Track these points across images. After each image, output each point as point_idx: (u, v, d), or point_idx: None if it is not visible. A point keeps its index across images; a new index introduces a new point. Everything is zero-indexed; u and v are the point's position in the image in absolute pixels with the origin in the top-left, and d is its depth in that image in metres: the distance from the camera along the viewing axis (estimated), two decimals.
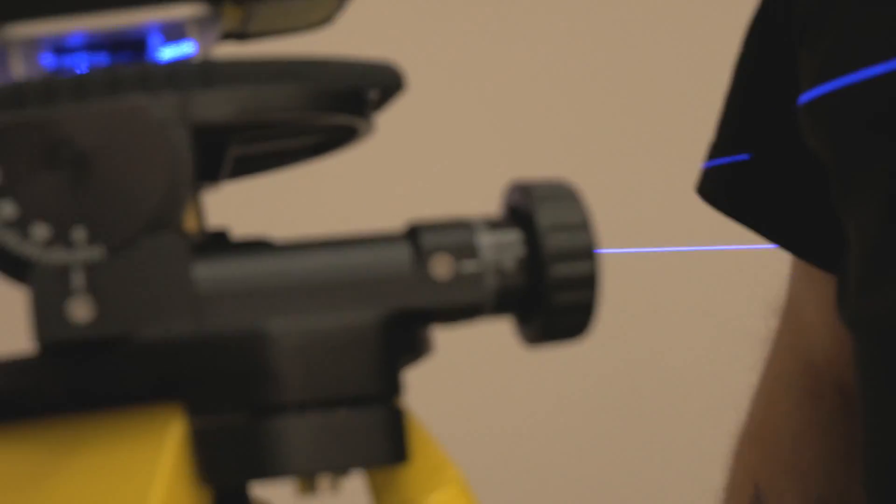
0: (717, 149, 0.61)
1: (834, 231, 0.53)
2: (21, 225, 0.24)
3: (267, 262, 0.25)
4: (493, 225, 0.25)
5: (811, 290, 0.60)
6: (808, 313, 0.62)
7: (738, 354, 1.43)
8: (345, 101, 0.25)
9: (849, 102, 0.47)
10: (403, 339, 0.25)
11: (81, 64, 0.26)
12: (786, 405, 0.63)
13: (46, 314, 0.23)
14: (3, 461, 0.24)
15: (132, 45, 0.26)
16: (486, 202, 1.30)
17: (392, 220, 1.37)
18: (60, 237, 0.24)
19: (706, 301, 1.51)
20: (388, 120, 1.34)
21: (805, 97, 0.50)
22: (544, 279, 0.24)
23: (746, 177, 0.59)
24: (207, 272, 0.24)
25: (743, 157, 0.59)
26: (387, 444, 0.24)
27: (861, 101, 0.47)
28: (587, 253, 0.24)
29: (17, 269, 0.24)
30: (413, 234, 0.25)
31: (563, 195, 0.24)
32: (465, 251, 0.24)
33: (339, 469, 0.23)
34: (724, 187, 0.61)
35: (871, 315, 0.50)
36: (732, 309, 1.46)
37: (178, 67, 0.24)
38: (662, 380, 1.46)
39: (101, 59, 0.27)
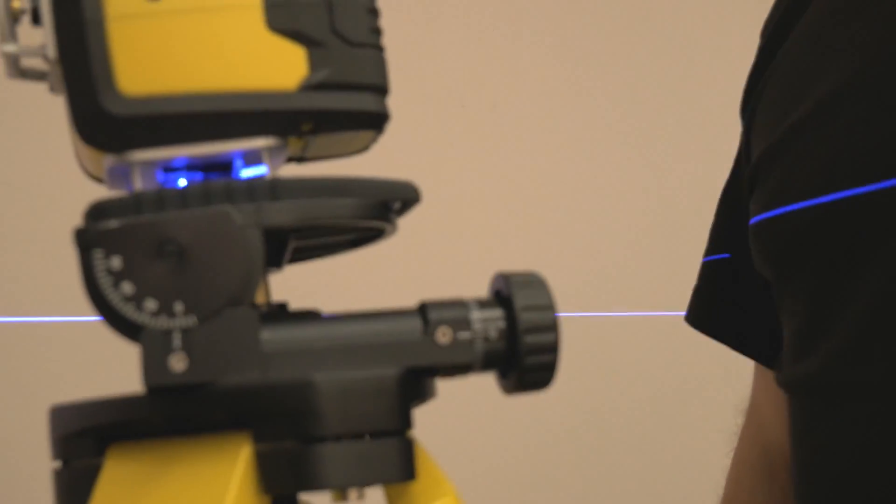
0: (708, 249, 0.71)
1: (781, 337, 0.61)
2: (136, 300, 0.32)
3: (315, 328, 0.33)
4: (482, 304, 0.33)
5: (768, 391, 0.68)
6: (766, 412, 0.70)
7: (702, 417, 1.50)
8: (377, 211, 0.34)
9: (778, 228, 0.56)
10: (414, 387, 0.33)
11: (183, 179, 0.35)
12: (749, 483, 0.73)
13: (153, 365, 0.32)
14: (121, 470, 0.32)
15: (221, 167, 0.35)
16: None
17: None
18: (164, 309, 0.32)
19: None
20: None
21: (751, 221, 0.59)
22: (519, 346, 0.32)
23: (716, 288, 0.69)
24: (271, 335, 0.33)
25: (721, 256, 0.68)
26: (400, 466, 0.32)
27: (786, 227, 0.55)
28: (551, 327, 0.32)
29: (132, 331, 0.33)
30: (423, 310, 0.33)
31: (534, 283, 0.33)
32: (462, 324, 0.33)
33: (365, 484, 0.32)
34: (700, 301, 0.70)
35: (799, 380, 0.57)
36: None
37: (255, 184, 0.33)
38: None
39: (198, 176, 0.36)
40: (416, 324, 0.33)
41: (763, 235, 0.58)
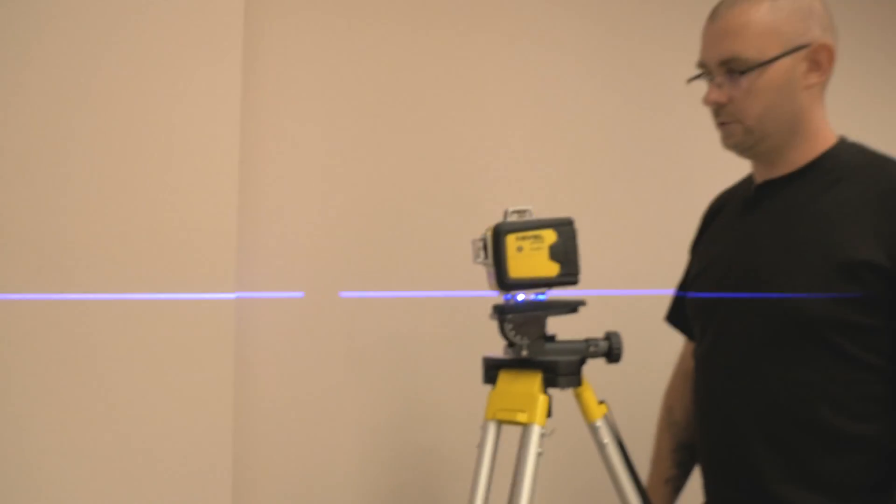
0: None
1: None
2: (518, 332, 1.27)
3: (555, 345, 1.28)
4: (606, 336, 1.28)
5: (689, 347, 1.62)
6: (688, 357, 1.61)
7: None
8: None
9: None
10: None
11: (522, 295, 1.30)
12: (680, 382, 1.62)
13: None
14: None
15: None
16: None
17: None
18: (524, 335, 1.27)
19: None
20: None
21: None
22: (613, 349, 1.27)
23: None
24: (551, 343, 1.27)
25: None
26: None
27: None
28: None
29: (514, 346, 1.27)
30: (607, 336, 1.28)
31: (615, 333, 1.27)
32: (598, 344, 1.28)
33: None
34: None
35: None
36: None
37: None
38: None
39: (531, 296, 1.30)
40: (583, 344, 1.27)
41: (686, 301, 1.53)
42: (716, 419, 1.36)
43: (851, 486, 1.24)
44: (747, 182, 1.45)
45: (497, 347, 1.34)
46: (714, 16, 1.34)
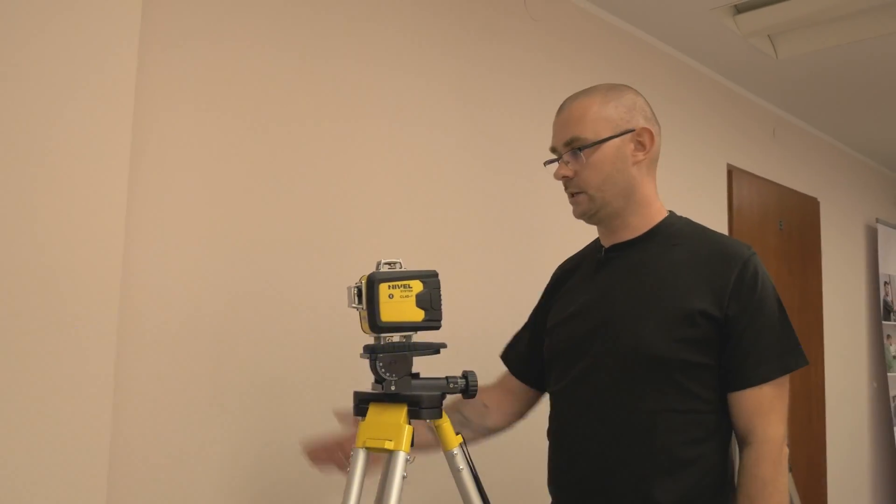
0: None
1: None
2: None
3: (423, 381, 1.45)
4: (462, 376, 1.45)
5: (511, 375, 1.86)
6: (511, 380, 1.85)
7: None
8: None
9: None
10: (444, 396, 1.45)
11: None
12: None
13: None
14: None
15: None
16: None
17: None
18: None
19: None
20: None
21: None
22: (468, 387, 1.45)
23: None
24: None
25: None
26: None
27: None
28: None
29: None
30: (464, 375, 1.45)
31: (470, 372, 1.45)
32: (457, 381, 1.45)
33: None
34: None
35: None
36: None
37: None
38: None
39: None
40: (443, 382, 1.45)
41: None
42: (572, 445, 1.58)
43: None
44: (594, 246, 1.74)
45: (358, 384, 1.48)
46: (561, 109, 1.65)
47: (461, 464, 1.46)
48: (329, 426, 1.75)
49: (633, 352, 1.52)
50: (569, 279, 1.75)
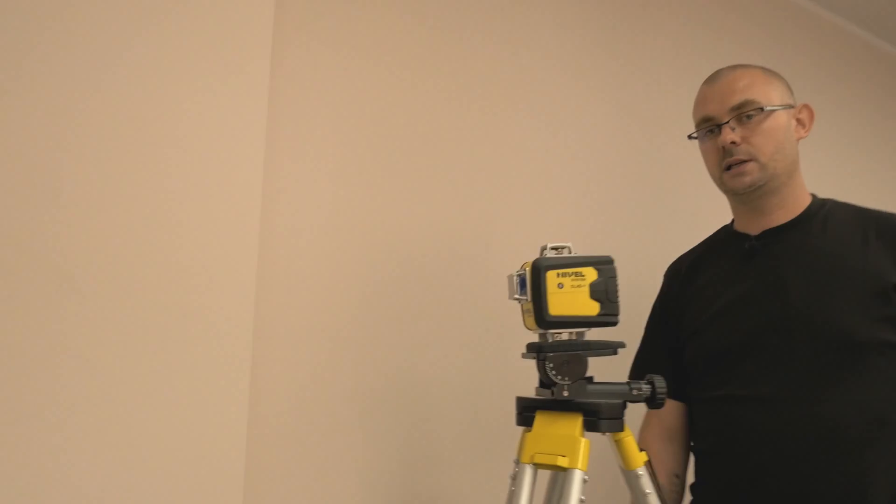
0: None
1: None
2: (556, 372, 1.21)
3: (597, 386, 1.22)
4: (647, 381, 1.22)
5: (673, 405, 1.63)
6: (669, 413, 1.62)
7: None
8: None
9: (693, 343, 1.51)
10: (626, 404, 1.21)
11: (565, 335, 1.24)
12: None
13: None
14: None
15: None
16: None
17: None
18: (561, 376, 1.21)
19: None
20: None
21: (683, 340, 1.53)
22: (655, 393, 1.21)
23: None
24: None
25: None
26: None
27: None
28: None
29: (551, 382, 1.21)
30: (648, 380, 1.22)
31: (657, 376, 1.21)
32: (641, 387, 1.22)
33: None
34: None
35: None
36: None
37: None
38: None
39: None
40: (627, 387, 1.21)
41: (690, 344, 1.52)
42: (765, 450, 1.39)
43: None
44: (722, 238, 1.63)
45: (515, 389, 1.28)
46: (715, 78, 1.56)
47: (647, 487, 1.22)
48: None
49: (831, 339, 1.38)
50: (696, 277, 1.62)
